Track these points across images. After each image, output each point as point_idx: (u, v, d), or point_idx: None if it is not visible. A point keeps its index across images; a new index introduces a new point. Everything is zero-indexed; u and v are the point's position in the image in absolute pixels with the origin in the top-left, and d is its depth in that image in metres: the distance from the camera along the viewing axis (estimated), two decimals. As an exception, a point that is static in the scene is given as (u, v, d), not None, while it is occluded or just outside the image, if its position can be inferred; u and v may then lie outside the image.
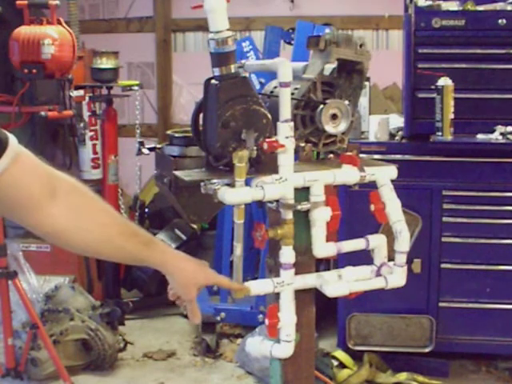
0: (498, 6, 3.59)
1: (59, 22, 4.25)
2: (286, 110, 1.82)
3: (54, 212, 1.41)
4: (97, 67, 4.47)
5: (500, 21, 3.46)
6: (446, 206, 3.57)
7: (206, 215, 1.95)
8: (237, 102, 1.83)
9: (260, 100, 1.88)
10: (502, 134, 3.42)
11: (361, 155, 2.04)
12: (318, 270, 1.97)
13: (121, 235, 1.53)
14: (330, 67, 2.03)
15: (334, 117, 2.01)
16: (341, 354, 3.68)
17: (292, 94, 1.94)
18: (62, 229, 1.43)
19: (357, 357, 3.68)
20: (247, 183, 1.81)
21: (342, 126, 2.02)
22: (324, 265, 3.81)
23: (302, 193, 1.87)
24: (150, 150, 4.70)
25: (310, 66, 2.07)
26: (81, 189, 1.47)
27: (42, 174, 1.40)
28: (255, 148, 1.81)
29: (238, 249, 1.83)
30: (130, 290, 4.79)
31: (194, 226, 4.72)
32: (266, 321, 1.87)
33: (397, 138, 3.67)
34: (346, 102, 2.02)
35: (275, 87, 2.07)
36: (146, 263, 1.64)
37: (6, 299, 3.45)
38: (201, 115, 1.95)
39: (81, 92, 4.57)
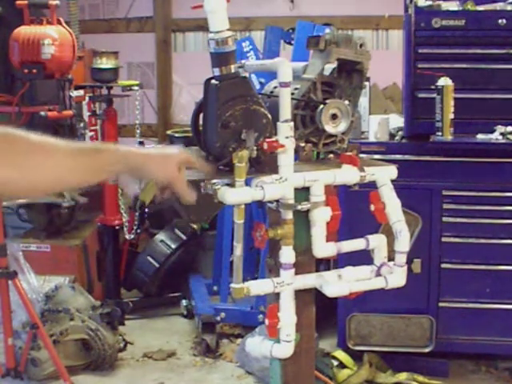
0: (498, 6, 3.59)
1: (59, 22, 4.25)
2: (286, 110, 1.82)
3: None
4: (97, 67, 4.47)
5: (500, 21, 3.46)
6: (446, 206, 3.57)
7: (206, 215, 1.95)
8: (237, 102, 1.83)
9: (260, 100, 1.88)
10: (502, 134, 3.42)
11: (361, 155, 2.04)
12: (318, 270, 1.97)
13: (67, 157, 1.48)
14: (329, 67, 2.03)
15: (333, 117, 2.01)
16: (341, 354, 3.68)
17: (292, 93, 1.94)
18: (5, 181, 1.39)
19: (357, 357, 3.68)
20: (247, 183, 1.81)
21: (342, 126, 2.02)
22: (324, 265, 3.80)
23: (302, 193, 1.87)
24: (150, 149, 4.65)
25: (310, 66, 2.08)
26: (9, 134, 1.41)
27: None
28: (255, 148, 1.81)
29: (238, 249, 1.83)
30: (130, 290, 4.79)
31: (194, 226, 4.72)
32: (266, 321, 1.87)
33: (397, 138, 3.67)
34: (346, 102, 2.03)
35: (275, 87, 2.07)
36: (108, 170, 1.58)
37: (6, 299, 3.45)
38: (201, 115, 1.95)
39: (81, 92, 4.57)
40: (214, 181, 1.83)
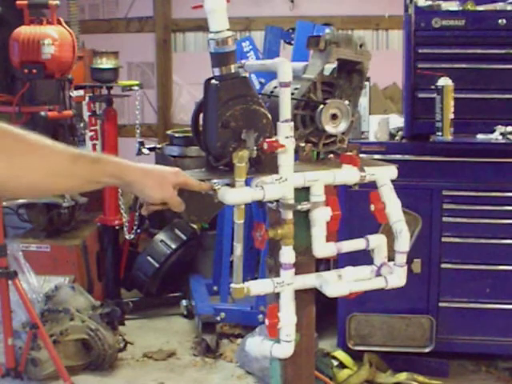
0: (498, 6, 3.59)
1: (59, 22, 4.26)
2: (286, 110, 1.82)
3: None
4: (97, 67, 4.47)
5: (500, 21, 3.46)
6: (445, 206, 3.58)
7: (206, 215, 1.94)
8: (237, 102, 1.83)
9: (260, 100, 1.87)
10: (502, 134, 3.42)
11: (361, 155, 2.04)
12: (318, 270, 1.97)
13: (66, 162, 1.48)
14: (329, 67, 2.03)
15: (333, 117, 2.01)
16: (341, 354, 3.68)
17: (292, 94, 1.94)
18: (3, 180, 1.38)
19: (357, 357, 3.68)
20: (247, 183, 1.81)
21: (342, 126, 2.02)
22: (324, 265, 3.80)
23: (302, 193, 1.87)
24: (150, 149, 4.70)
25: (310, 66, 2.07)
26: (9, 132, 1.40)
27: None
28: (255, 148, 1.81)
29: (238, 249, 1.83)
30: (130, 290, 4.79)
31: (194, 226, 4.72)
32: (266, 321, 1.87)
33: (397, 138, 3.67)
34: (346, 102, 2.02)
35: (275, 87, 2.07)
36: (103, 181, 1.58)
37: (6, 299, 3.45)
38: (201, 115, 1.95)
39: (81, 92, 4.57)
40: (214, 181, 1.83)
